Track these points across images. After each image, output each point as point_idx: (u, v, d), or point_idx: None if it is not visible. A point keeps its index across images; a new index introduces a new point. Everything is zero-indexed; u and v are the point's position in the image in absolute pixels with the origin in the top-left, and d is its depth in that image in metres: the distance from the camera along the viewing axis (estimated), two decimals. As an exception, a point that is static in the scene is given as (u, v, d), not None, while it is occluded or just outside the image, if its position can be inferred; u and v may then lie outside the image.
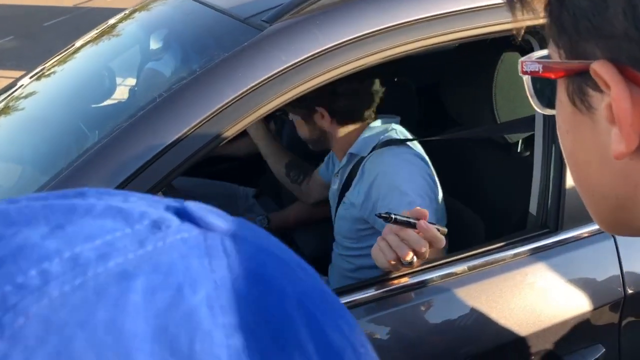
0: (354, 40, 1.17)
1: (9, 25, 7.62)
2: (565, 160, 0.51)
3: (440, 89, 1.91)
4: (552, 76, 0.48)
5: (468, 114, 1.82)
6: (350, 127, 1.64)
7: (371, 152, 1.57)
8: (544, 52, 0.51)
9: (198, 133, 1.11)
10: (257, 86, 1.13)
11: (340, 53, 1.17)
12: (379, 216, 1.10)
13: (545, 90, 0.54)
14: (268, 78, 1.14)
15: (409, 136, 1.62)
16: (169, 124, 1.11)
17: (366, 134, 1.62)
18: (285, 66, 1.14)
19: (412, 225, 1.09)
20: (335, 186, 1.70)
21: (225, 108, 1.12)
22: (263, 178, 2.28)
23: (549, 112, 0.54)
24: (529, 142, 1.62)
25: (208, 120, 1.12)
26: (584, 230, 1.33)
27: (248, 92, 1.13)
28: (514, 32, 0.56)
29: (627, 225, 0.50)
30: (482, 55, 1.63)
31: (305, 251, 1.94)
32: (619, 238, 1.33)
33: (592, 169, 0.47)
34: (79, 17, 7.83)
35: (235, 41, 1.20)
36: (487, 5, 1.25)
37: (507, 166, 1.67)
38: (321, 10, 1.19)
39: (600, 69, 0.41)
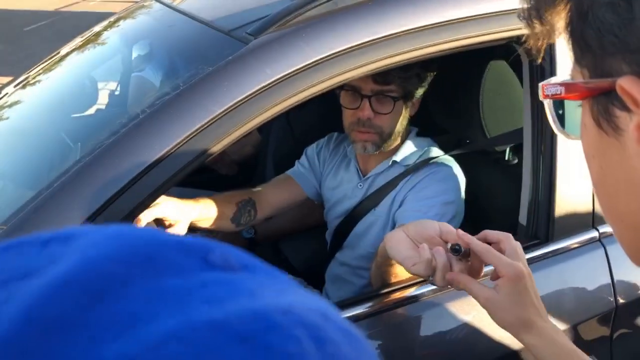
0: (341, 52, 1.15)
1: (-11, 30, 7.52)
2: (593, 187, 0.49)
3: (427, 97, 1.89)
4: (576, 98, 0.46)
5: (455, 121, 1.81)
6: (406, 127, 1.56)
7: (416, 165, 1.51)
8: (566, 76, 0.49)
9: (182, 150, 1.09)
10: (243, 101, 1.11)
11: (328, 66, 1.15)
12: (452, 247, 0.97)
13: (568, 114, 0.52)
14: (253, 93, 1.12)
15: (443, 154, 1.57)
16: (152, 141, 1.09)
17: (410, 143, 1.56)
18: (271, 80, 1.12)
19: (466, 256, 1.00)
20: (356, 196, 1.58)
21: (210, 124, 1.10)
22: (249, 187, 2.25)
23: (573, 138, 0.52)
24: (516, 150, 1.61)
25: (192, 137, 1.09)
26: (574, 241, 1.33)
27: (233, 107, 1.11)
28: (530, 44, 0.53)
29: None
30: (469, 63, 1.62)
31: (295, 263, 1.92)
32: (609, 247, 1.33)
33: (621, 197, 0.45)
34: (60, 22, 7.75)
35: (220, 55, 1.17)
36: (474, 16, 1.24)
37: (495, 175, 1.66)
38: (307, 23, 1.17)
39: (628, 84, 0.39)
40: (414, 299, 1.22)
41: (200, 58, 1.24)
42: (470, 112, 1.61)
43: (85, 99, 1.71)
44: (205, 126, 1.10)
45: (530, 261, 1.29)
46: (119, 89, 1.74)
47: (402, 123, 1.52)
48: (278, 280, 0.29)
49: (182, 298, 0.25)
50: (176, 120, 1.10)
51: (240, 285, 0.27)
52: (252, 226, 1.95)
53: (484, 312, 1.23)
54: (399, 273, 1.21)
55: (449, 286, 0.99)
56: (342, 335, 0.26)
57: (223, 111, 1.11)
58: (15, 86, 1.81)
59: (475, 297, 0.92)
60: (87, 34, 1.88)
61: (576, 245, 1.33)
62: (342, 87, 1.49)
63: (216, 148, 1.12)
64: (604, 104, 0.42)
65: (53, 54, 1.89)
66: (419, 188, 1.48)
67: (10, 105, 1.73)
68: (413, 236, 1.02)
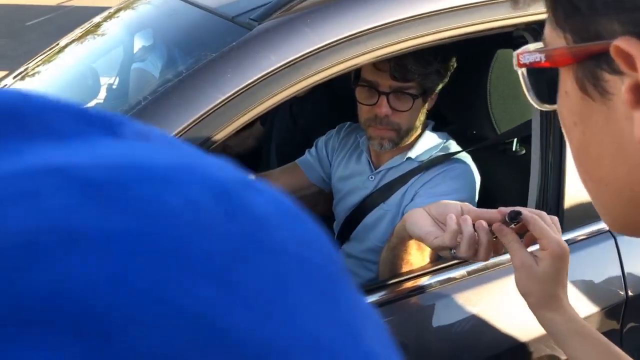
0: (346, 39, 1.13)
1: (-9, 25, 7.51)
2: (573, 156, 0.47)
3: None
4: (558, 64, 0.44)
5: (461, 111, 1.78)
6: (423, 122, 1.52)
7: (430, 161, 1.48)
8: (538, 44, 0.47)
9: (185, 138, 1.07)
10: (246, 88, 1.09)
11: (333, 52, 1.13)
12: (512, 214, 0.93)
13: (543, 83, 0.50)
14: (257, 79, 1.09)
15: (459, 150, 1.54)
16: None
17: (426, 138, 1.53)
18: (275, 67, 1.10)
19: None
20: (367, 187, 1.56)
21: (214, 111, 1.08)
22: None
23: (547, 107, 0.50)
24: (524, 141, 1.59)
25: (195, 125, 1.07)
26: (583, 232, 1.30)
27: (237, 94, 1.09)
28: (520, 24, 0.52)
29: None
30: (476, 52, 1.59)
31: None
32: (620, 239, 1.30)
33: (606, 162, 0.44)
34: (62, 16, 7.73)
35: (223, 41, 1.15)
36: (481, 2, 1.22)
37: (502, 165, 1.64)
38: (312, 9, 1.15)
39: (626, 45, 0.37)
40: (421, 289, 1.19)
41: (203, 45, 1.22)
42: (477, 101, 1.59)
43: (87, 89, 1.69)
44: (208, 114, 1.08)
45: (539, 252, 1.28)
46: (120, 78, 1.72)
47: (420, 119, 1.50)
48: (208, 155, 0.21)
49: (39, 154, 0.18)
50: (178, 108, 1.08)
51: (140, 147, 0.20)
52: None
53: (492, 302, 1.21)
54: (411, 260, 1.19)
55: (471, 260, 0.97)
56: (276, 209, 0.19)
57: (226, 98, 1.08)
58: (14, 78, 1.79)
59: (512, 256, 0.90)
60: (87, 24, 1.86)
61: (586, 237, 1.30)
62: (358, 82, 1.47)
63: (219, 136, 1.10)
64: (591, 69, 0.41)
65: (53, 45, 1.86)
66: (432, 184, 1.45)
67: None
68: (434, 215, 1.01)
